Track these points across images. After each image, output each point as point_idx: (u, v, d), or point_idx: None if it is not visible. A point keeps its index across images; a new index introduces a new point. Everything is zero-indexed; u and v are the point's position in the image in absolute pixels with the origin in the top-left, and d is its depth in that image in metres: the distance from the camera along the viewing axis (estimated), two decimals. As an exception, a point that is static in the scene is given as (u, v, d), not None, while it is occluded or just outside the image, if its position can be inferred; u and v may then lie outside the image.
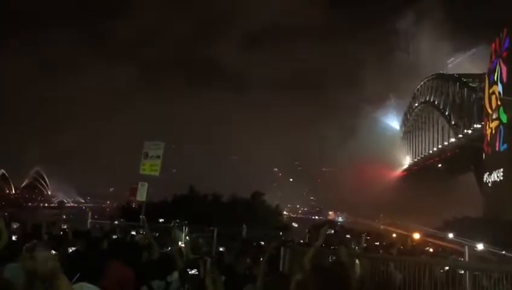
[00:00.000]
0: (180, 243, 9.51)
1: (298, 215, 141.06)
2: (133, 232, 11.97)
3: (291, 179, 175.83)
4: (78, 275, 3.79)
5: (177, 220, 18.93)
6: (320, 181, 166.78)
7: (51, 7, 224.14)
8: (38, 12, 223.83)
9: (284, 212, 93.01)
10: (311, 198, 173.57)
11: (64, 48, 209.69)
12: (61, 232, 11.19)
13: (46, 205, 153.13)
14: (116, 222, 19.10)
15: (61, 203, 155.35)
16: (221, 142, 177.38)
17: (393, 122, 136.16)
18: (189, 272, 5.59)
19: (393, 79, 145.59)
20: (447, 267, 5.86)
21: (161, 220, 21.95)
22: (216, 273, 5.14)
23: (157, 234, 10.18)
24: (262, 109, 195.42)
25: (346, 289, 3.95)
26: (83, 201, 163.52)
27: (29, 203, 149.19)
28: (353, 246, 14.43)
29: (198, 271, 5.36)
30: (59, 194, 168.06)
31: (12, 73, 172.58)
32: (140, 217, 14.38)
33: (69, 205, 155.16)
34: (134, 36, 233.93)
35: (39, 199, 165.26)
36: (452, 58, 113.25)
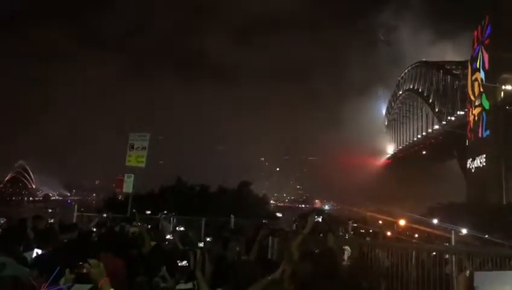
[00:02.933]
0: (168, 235, 9.51)
1: (285, 204, 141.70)
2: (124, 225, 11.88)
3: (278, 169, 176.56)
4: (57, 269, 3.81)
5: (165, 212, 18.87)
6: (307, 170, 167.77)
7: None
8: (27, 5, 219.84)
9: (271, 201, 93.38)
10: (298, 187, 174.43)
11: (50, 41, 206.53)
12: (48, 225, 11.05)
13: (31, 198, 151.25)
14: (104, 215, 18.96)
15: (46, 196, 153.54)
16: (208, 133, 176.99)
17: (379, 110, 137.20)
18: (179, 264, 5.60)
19: (378, 69, 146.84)
20: (433, 253, 5.97)
21: (148, 212, 21.86)
22: (206, 262, 5.16)
23: (149, 226, 10.17)
24: (250, 100, 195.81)
25: (335, 275, 3.99)
26: (69, 194, 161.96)
27: (13, 198, 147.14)
28: (340, 233, 14.59)
29: (188, 263, 5.37)
30: (44, 187, 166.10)
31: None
32: (133, 211, 14.31)
33: (54, 198, 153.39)
34: (123, 29, 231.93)
35: (23, 192, 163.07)
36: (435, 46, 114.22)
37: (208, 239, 10.20)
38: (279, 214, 63.47)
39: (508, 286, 2.42)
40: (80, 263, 3.79)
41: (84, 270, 3.72)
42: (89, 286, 3.64)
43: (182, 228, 14.72)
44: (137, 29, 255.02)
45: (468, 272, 2.37)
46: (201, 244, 5.90)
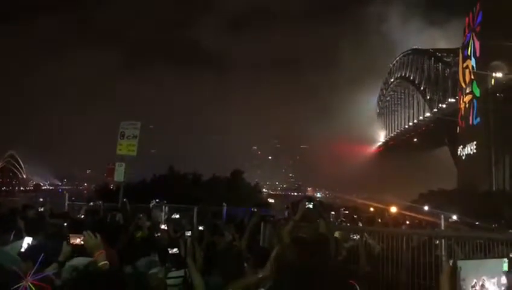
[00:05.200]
0: (162, 225, 9.51)
1: (277, 192, 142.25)
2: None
3: (270, 157, 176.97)
4: (42, 255, 3.81)
5: (157, 200, 18.79)
6: (299, 158, 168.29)
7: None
8: None
9: (264, 190, 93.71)
10: (290, 175, 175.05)
11: (42, 31, 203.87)
12: (38, 214, 11.00)
13: (21, 188, 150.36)
14: (91, 203, 18.87)
15: (37, 186, 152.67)
16: (201, 122, 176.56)
17: (370, 99, 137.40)
18: (170, 252, 5.60)
19: (369, 57, 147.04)
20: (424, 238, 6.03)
21: (154, 202, 21.76)
22: (196, 248, 5.18)
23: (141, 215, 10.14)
24: (242, 89, 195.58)
25: (326, 259, 4.01)
26: (60, 184, 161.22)
27: (3, 187, 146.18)
28: (332, 220, 14.69)
29: (179, 250, 5.38)
30: (35, 177, 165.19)
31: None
32: (124, 200, 14.25)
33: (45, 187, 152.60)
34: (116, 18, 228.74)
35: (14, 182, 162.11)
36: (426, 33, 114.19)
37: (200, 228, 10.22)
38: (271, 200, 63.92)
39: (490, 273, 2.47)
40: (76, 235, 3.82)
41: (78, 241, 3.73)
42: (88, 259, 3.63)
43: (177, 216, 14.70)
44: (129, 18, 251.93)
45: (451, 261, 2.41)
46: (188, 233, 5.88)
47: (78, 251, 3.81)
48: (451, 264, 2.37)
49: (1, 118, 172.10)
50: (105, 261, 3.49)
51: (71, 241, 3.87)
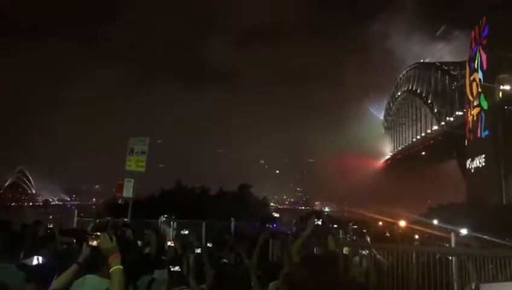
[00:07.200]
0: (169, 242, 9.45)
1: (285, 206, 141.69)
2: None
3: (277, 171, 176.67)
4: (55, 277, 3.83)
5: (165, 216, 18.80)
6: (307, 172, 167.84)
7: (45, 11, 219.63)
8: (34, 16, 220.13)
9: (271, 204, 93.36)
10: (298, 189, 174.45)
11: (52, 47, 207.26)
12: (47, 231, 11.03)
13: (31, 204, 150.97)
14: (97, 221, 18.90)
15: (46, 201, 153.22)
16: (208, 136, 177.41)
17: (378, 112, 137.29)
18: (172, 269, 5.55)
19: (377, 72, 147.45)
20: (438, 255, 5.97)
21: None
22: (207, 266, 5.15)
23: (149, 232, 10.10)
24: (250, 104, 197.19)
25: (336, 278, 3.98)
26: (69, 199, 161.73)
27: (13, 203, 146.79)
28: (340, 236, 14.59)
29: (181, 268, 5.32)
30: (44, 192, 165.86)
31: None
32: (129, 218, 14.27)
33: (54, 203, 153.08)
34: (125, 36, 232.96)
35: (23, 198, 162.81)
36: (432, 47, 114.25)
37: (209, 244, 10.15)
38: (276, 214, 63.65)
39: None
40: (93, 235, 3.86)
41: (95, 243, 3.75)
42: (102, 282, 3.62)
43: (186, 232, 14.64)
44: (139, 36, 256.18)
45: (474, 284, 2.40)
46: (198, 250, 5.82)
47: (97, 252, 3.85)
48: (473, 287, 2.35)
49: (11, 134, 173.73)
50: (119, 266, 3.50)
51: (90, 243, 3.91)
